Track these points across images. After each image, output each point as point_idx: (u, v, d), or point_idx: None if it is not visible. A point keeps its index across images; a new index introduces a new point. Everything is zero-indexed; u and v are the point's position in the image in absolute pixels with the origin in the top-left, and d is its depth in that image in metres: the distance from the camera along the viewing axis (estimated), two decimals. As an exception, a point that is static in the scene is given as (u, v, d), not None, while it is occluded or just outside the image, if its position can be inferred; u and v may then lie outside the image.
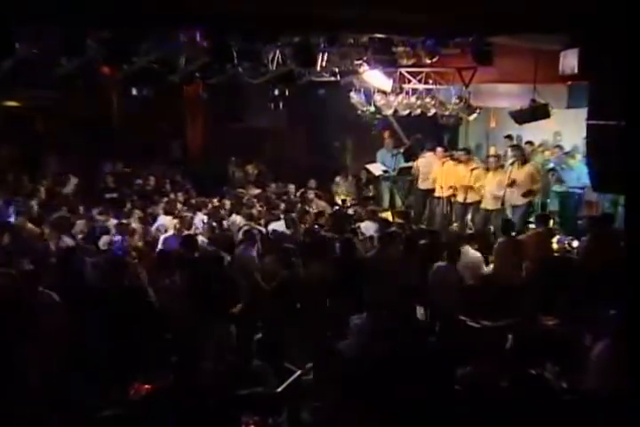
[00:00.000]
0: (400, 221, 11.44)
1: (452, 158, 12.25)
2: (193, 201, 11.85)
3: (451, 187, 11.85)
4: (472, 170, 11.60)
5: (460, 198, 11.82)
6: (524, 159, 11.25)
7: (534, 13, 7.39)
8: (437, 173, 12.24)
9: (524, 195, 11.01)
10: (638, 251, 3.82)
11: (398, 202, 13.59)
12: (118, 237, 9.48)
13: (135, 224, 10.10)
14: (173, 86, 13.00)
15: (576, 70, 8.23)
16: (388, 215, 12.58)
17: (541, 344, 5.91)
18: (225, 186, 13.32)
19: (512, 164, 11.24)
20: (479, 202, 11.62)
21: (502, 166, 11.47)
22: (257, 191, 13.18)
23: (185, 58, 10.78)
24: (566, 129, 12.21)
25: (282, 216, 10.72)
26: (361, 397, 5.23)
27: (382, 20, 8.36)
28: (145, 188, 13.08)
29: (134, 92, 13.15)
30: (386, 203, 13.67)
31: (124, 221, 10.12)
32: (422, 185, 12.78)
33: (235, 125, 15.41)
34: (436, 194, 12.25)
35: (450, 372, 5.53)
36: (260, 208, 11.54)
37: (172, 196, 12.26)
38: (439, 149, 12.54)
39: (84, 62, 9.59)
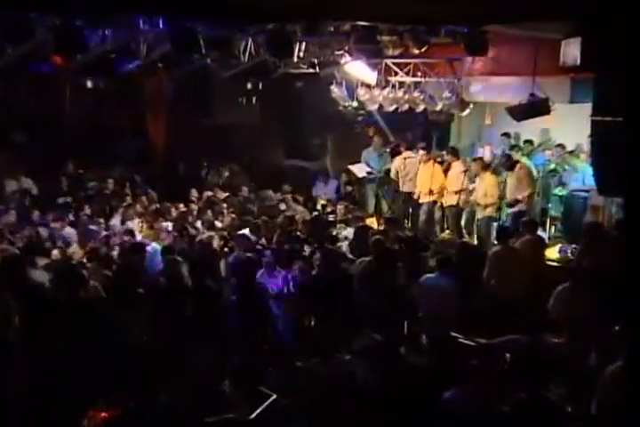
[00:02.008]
0: (385, 227, 11.40)
1: (440, 160, 12.18)
2: (156, 206, 11.77)
3: (436, 191, 11.84)
4: (464, 172, 11.55)
5: (450, 202, 11.79)
6: (509, 165, 11.13)
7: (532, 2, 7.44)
8: (424, 175, 12.11)
9: (510, 205, 10.98)
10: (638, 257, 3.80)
11: (385, 207, 13.51)
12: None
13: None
14: (133, 78, 12.92)
15: (579, 61, 8.27)
16: (372, 221, 12.54)
17: (543, 364, 5.88)
18: (191, 189, 13.22)
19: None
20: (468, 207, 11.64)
21: (487, 169, 11.42)
22: (225, 195, 13.12)
23: (146, 46, 10.73)
24: (568, 126, 12.27)
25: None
26: (343, 423, 5.19)
27: (366, 7, 8.37)
28: (102, 191, 12.98)
29: (89, 84, 13.05)
30: (371, 208, 13.53)
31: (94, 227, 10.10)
32: (405, 187, 12.67)
33: (203, 122, 15.32)
34: (422, 199, 12.11)
35: (440, 396, 5.49)
36: (231, 214, 11.50)
37: (132, 200, 12.20)
38: (421, 151, 12.40)
39: (32, 51, 9.50)
